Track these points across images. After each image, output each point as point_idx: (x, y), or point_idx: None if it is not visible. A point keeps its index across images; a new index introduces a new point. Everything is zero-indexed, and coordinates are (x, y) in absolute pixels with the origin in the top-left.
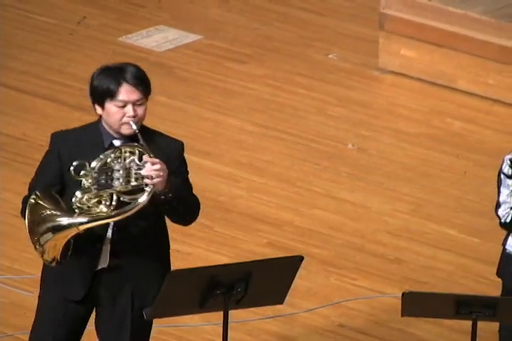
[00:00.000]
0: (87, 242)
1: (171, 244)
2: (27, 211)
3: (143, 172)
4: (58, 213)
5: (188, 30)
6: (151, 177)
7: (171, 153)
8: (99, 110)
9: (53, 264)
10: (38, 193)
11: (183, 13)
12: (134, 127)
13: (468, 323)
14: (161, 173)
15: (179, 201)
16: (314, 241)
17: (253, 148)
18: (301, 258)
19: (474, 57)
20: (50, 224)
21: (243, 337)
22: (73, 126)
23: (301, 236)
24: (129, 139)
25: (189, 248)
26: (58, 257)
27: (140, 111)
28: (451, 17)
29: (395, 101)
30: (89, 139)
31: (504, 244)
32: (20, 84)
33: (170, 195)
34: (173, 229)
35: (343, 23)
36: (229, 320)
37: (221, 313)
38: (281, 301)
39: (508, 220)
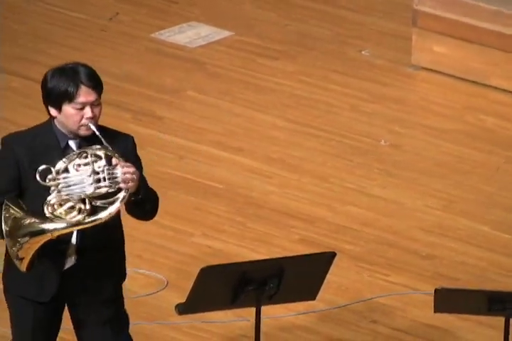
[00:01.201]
0: (53, 244)
1: (203, 239)
2: (3, 219)
3: (118, 176)
4: (32, 220)
5: (221, 26)
6: (126, 181)
7: (125, 148)
8: (54, 112)
9: (25, 269)
10: (7, 202)
11: (216, 10)
12: (94, 128)
13: (501, 320)
14: (135, 176)
15: (147, 199)
16: (347, 238)
17: (285, 145)
18: (333, 255)
19: (507, 54)
20: (26, 230)
21: (275, 333)
22: (105, 122)
23: (334, 233)
24: (85, 140)
25: (221, 244)
26: (29, 262)
27: (97, 111)
28: (484, 13)
29: (427, 98)
30: (44, 141)
31: None
32: None
33: (140, 195)
34: (205, 225)
35: (377, 20)
36: (261, 316)
37: (253, 309)
38: (313, 297)
39: None
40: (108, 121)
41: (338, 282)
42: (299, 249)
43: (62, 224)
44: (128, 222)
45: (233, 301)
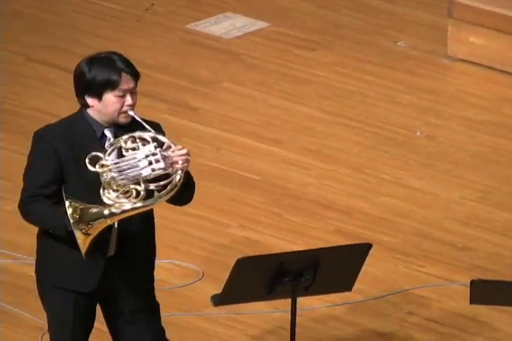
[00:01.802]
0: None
1: (239, 230)
2: (68, 211)
3: (172, 158)
4: (92, 208)
5: (256, 17)
6: (181, 162)
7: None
8: (92, 102)
9: (86, 256)
10: (67, 194)
11: (251, 0)
12: (134, 115)
13: None
14: (189, 157)
15: (188, 183)
16: (383, 229)
17: (322, 136)
18: (369, 246)
19: None
20: (88, 218)
21: (311, 324)
22: (140, 113)
23: (370, 224)
24: (120, 128)
25: (258, 235)
26: (87, 249)
27: (135, 98)
28: None
29: (463, 89)
30: (80, 131)
31: None
32: None
33: (189, 176)
34: (242, 216)
35: (413, 11)
36: (297, 307)
37: (289, 300)
38: (349, 288)
39: None
40: (143, 112)
41: (373, 273)
42: (335, 240)
43: (120, 209)
44: (165, 214)
45: (269, 292)
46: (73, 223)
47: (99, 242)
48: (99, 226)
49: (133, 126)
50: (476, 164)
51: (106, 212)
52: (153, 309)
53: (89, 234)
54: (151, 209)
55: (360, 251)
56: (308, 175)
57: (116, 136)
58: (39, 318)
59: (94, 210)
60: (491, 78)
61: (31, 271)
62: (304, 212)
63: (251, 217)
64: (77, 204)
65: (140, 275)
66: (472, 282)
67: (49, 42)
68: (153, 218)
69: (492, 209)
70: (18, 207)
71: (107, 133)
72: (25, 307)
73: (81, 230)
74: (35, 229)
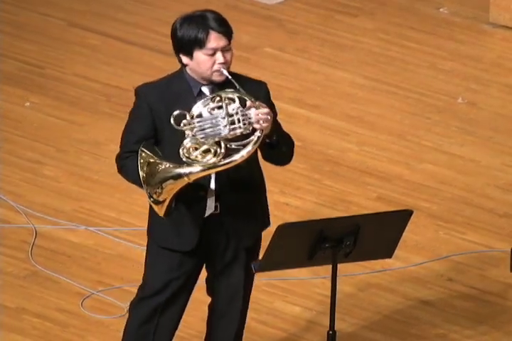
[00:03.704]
0: (191, 191)
1: (280, 196)
2: (139, 165)
3: (252, 117)
4: (168, 165)
5: None
6: (261, 122)
7: (259, 95)
8: (185, 60)
9: (164, 215)
10: (143, 148)
11: None
12: (226, 73)
13: None
14: (269, 117)
15: (282, 141)
16: (424, 195)
17: (363, 102)
18: (410, 213)
19: None
20: (162, 175)
21: (352, 291)
22: None
23: (411, 190)
24: (218, 85)
25: (298, 201)
26: (167, 208)
27: (228, 56)
28: None
29: (505, 56)
30: (177, 89)
31: None
32: (128, 35)
33: (275, 137)
34: (282, 182)
35: None
36: (337, 274)
37: (330, 267)
38: (389, 255)
39: None
40: None
41: (414, 240)
42: (376, 207)
43: (198, 168)
44: None
45: (310, 258)
46: (144, 182)
47: (195, 201)
48: (171, 188)
49: (232, 84)
50: None
51: (180, 170)
52: (251, 270)
53: (161, 199)
54: (254, 163)
55: (400, 218)
56: (348, 141)
57: (214, 93)
58: (79, 284)
59: (167, 166)
60: None
61: (72, 237)
62: (344, 178)
63: (292, 183)
64: (151, 159)
65: (244, 234)
66: None
67: (90, 8)
68: (257, 171)
69: None
70: (116, 161)
71: (205, 90)
72: (65, 273)
73: (151, 193)
74: (76, 195)
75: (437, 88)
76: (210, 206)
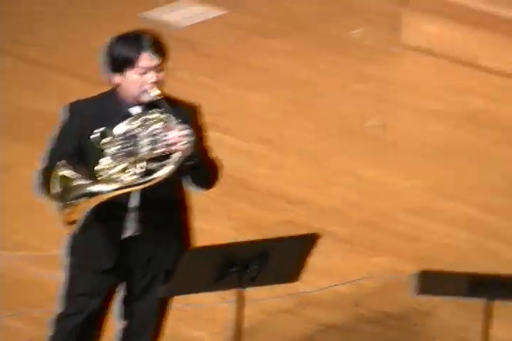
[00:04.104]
0: (110, 211)
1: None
2: (54, 182)
3: (170, 138)
4: (84, 182)
5: (212, 5)
6: (179, 144)
7: (190, 117)
8: (117, 79)
9: (73, 232)
10: (61, 163)
11: None
12: (154, 93)
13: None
14: (189, 139)
15: (205, 165)
16: (332, 219)
17: (275, 124)
18: (316, 237)
19: (497, 34)
20: (77, 193)
21: (258, 316)
22: None
23: (320, 214)
24: (148, 106)
25: (208, 225)
26: (78, 225)
27: (160, 76)
28: None
29: (416, 78)
30: (108, 108)
31: None
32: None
33: (196, 159)
34: (192, 206)
35: None
36: (245, 298)
37: (236, 292)
38: (296, 279)
39: None
40: None
41: (321, 264)
42: (285, 231)
43: (114, 186)
44: None
45: (217, 283)
46: (58, 198)
47: (114, 221)
48: (85, 206)
49: (163, 105)
50: (426, 154)
51: (95, 188)
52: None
53: (72, 218)
54: (179, 187)
55: (307, 242)
56: (260, 165)
57: None
58: None
59: (83, 183)
60: (443, 67)
61: None
62: (255, 202)
63: (202, 206)
64: (68, 176)
65: (164, 257)
66: (419, 273)
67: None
68: (180, 195)
69: (441, 200)
70: (35, 176)
71: (133, 110)
72: None
73: (63, 210)
74: None
75: (348, 110)
76: (131, 227)
